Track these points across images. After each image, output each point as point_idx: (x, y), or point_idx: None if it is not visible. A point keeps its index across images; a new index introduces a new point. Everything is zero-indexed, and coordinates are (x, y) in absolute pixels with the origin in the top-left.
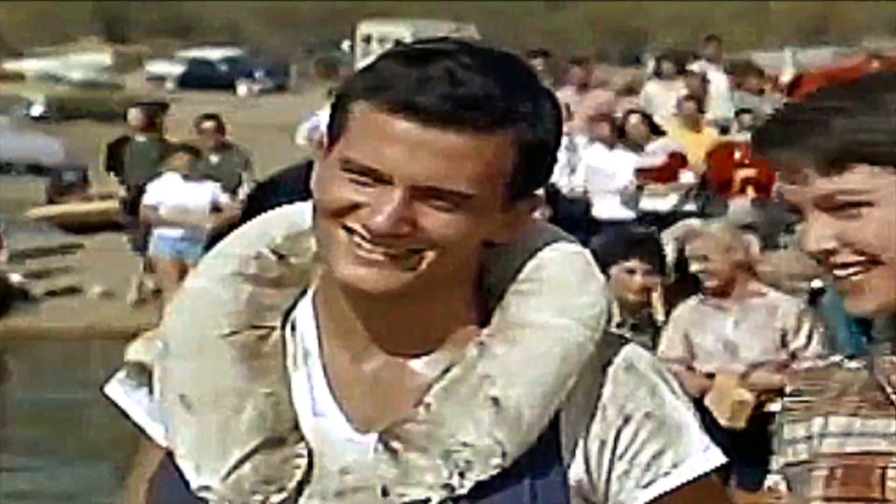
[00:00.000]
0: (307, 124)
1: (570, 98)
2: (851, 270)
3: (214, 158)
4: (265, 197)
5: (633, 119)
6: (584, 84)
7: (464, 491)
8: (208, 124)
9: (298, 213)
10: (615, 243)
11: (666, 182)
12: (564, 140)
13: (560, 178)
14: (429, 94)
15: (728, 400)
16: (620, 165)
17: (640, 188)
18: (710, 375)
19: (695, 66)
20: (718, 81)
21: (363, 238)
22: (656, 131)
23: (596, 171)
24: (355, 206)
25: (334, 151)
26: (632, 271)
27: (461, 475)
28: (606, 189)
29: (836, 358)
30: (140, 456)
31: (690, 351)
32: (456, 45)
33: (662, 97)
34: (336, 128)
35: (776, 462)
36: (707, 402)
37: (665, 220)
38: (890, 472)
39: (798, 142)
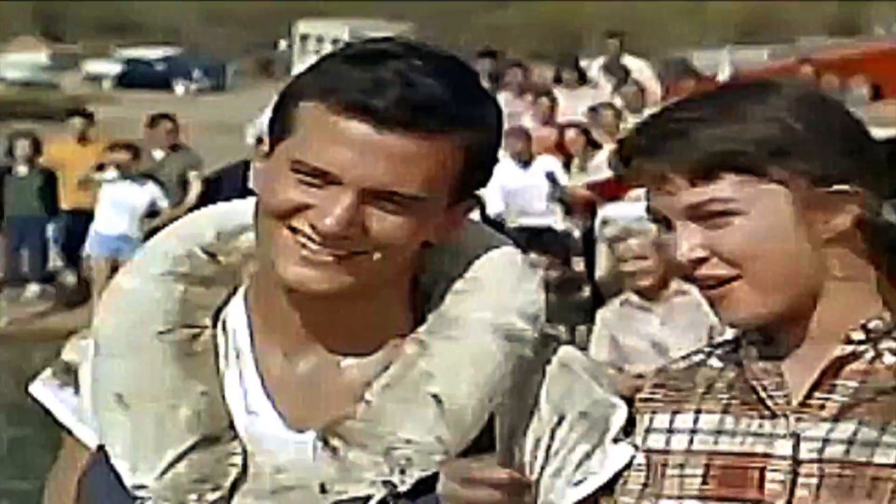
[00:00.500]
0: (258, 122)
1: (509, 103)
2: (718, 281)
3: (159, 154)
4: (212, 193)
5: (571, 133)
6: (523, 90)
7: (405, 488)
8: (162, 124)
9: (229, 212)
10: (516, 237)
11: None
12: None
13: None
14: (382, 96)
15: None
16: (537, 181)
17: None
18: (641, 376)
19: (593, 66)
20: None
21: (310, 239)
22: (594, 145)
23: (513, 194)
24: (303, 207)
25: (278, 151)
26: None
27: (402, 472)
28: (526, 209)
29: (698, 357)
30: (65, 457)
31: (619, 353)
32: (402, 46)
33: (568, 103)
34: (280, 127)
35: (640, 439)
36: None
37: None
38: (768, 474)
39: (664, 151)
